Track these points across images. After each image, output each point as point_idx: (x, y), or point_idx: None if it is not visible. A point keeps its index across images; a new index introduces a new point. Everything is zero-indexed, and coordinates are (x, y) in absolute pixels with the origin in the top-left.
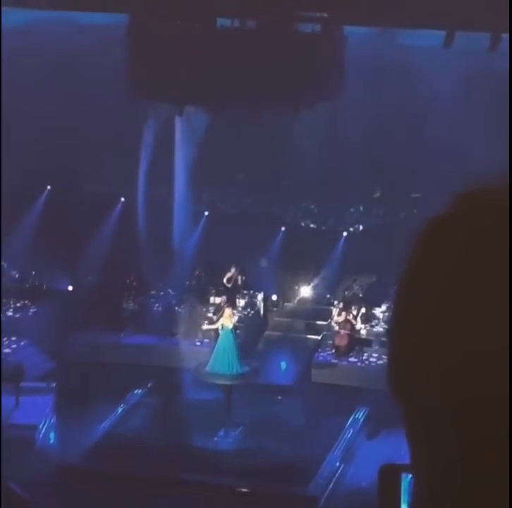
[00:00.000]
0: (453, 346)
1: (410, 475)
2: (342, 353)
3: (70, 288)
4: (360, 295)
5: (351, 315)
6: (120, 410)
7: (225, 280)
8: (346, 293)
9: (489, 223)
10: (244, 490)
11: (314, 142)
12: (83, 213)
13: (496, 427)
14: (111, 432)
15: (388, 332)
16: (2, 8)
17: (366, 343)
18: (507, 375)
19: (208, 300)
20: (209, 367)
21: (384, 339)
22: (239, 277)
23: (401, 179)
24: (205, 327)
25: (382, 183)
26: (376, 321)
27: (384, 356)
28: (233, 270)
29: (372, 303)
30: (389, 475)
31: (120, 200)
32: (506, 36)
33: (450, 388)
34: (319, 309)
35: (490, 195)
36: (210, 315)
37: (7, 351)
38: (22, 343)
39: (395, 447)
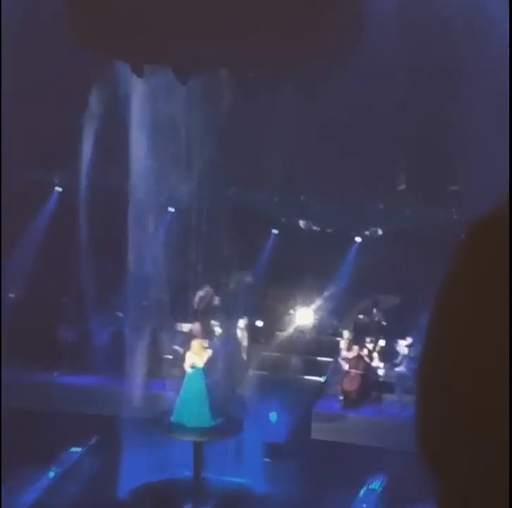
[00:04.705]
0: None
1: None
2: (352, 401)
3: None
4: (379, 322)
5: (365, 350)
6: (51, 475)
7: (195, 301)
8: (360, 319)
9: None
10: None
11: (316, 118)
12: (5, 205)
13: None
14: (39, 504)
15: (417, 373)
16: None
17: (385, 388)
18: None
19: (173, 327)
20: (174, 418)
21: (410, 382)
22: (214, 297)
23: (434, 166)
24: (169, 363)
25: (409, 171)
26: (399, 358)
27: (410, 406)
28: (206, 288)
29: (394, 334)
30: None
31: (54, 189)
32: None
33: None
34: (322, 340)
35: None
36: (176, 347)
37: None
38: None
39: None
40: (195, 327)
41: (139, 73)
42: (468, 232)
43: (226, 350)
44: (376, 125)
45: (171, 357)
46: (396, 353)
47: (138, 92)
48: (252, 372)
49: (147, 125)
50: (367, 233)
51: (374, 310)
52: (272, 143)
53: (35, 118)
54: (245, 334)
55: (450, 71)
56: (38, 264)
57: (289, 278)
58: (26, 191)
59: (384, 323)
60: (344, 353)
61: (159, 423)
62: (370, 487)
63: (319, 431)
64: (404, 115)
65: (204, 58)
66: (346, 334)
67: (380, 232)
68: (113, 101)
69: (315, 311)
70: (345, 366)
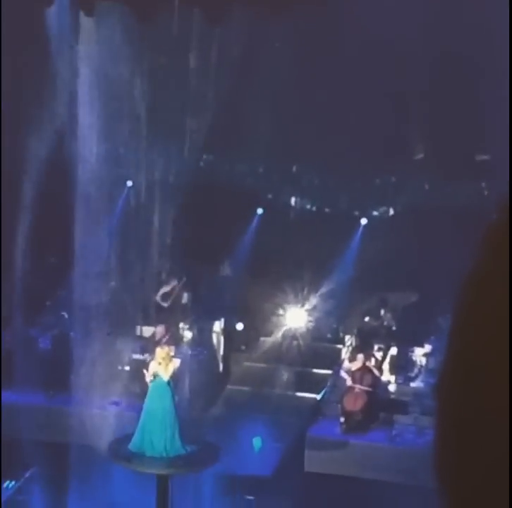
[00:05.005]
0: None
1: None
2: (356, 423)
3: None
4: (389, 325)
5: (373, 360)
6: None
7: (159, 297)
8: (366, 321)
9: None
10: None
11: (313, 68)
12: None
13: None
14: None
15: (436, 389)
16: None
17: (397, 408)
18: None
19: (131, 330)
20: (133, 445)
21: (428, 401)
22: (183, 294)
23: (458, 132)
24: (127, 376)
25: (428, 137)
26: (415, 370)
27: (428, 431)
28: (172, 282)
29: (408, 340)
30: None
31: None
32: None
33: None
34: (319, 348)
35: None
36: (136, 356)
37: None
38: None
39: None
40: (159, 330)
41: (89, 11)
42: (502, 212)
43: (197, 359)
44: (388, 78)
45: (128, 368)
46: (411, 364)
47: (88, 35)
48: (230, 388)
49: (99, 77)
50: (375, 213)
51: (383, 311)
52: (257, 100)
53: None
54: (222, 339)
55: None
56: None
57: (277, 270)
58: None
59: (396, 327)
60: (346, 364)
61: (113, 452)
62: None
63: (315, 461)
64: (422, 65)
65: None
66: (349, 340)
67: (391, 212)
68: (57, 48)
69: (310, 311)
70: (348, 380)
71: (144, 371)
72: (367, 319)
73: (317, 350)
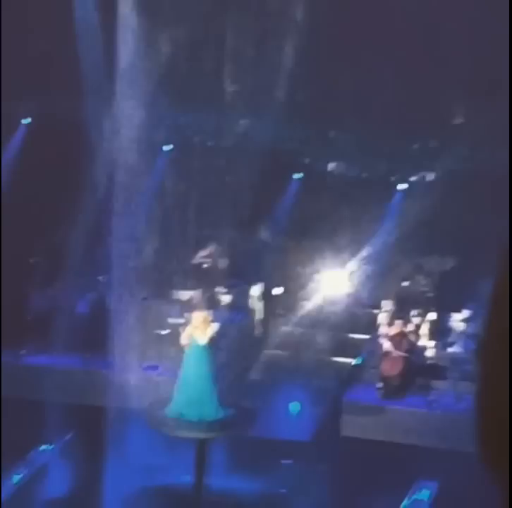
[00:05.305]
0: None
1: None
2: (394, 389)
3: None
4: (427, 290)
5: (411, 326)
6: (16, 479)
7: (197, 262)
8: (404, 286)
9: None
10: None
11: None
12: None
13: None
14: None
15: (477, 354)
16: None
17: (435, 373)
18: None
19: (168, 295)
20: (170, 409)
21: (467, 366)
22: (221, 258)
23: (498, 96)
24: (164, 340)
25: (469, 98)
26: (453, 335)
27: (467, 396)
28: (210, 246)
29: (446, 305)
30: None
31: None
32: None
33: None
34: (356, 313)
35: None
36: (171, 320)
37: None
38: None
39: None
40: (197, 294)
41: None
42: None
43: (235, 324)
44: (428, 42)
45: (165, 332)
46: (449, 330)
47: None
48: (268, 352)
49: (134, 41)
50: (413, 178)
51: (421, 276)
52: (294, 64)
53: None
54: (260, 304)
55: None
56: None
57: (315, 234)
58: None
59: (433, 292)
60: (384, 329)
61: (151, 415)
62: (416, 497)
63: (352, 426)
64: (462, 28)
65: None
66: (387, 305)
67: (430, 178)
68: (91, 18)
69: (348, 276)
70: (386, 345)
71: (181, 333)
72: (404, 284)
73: (354, 315)
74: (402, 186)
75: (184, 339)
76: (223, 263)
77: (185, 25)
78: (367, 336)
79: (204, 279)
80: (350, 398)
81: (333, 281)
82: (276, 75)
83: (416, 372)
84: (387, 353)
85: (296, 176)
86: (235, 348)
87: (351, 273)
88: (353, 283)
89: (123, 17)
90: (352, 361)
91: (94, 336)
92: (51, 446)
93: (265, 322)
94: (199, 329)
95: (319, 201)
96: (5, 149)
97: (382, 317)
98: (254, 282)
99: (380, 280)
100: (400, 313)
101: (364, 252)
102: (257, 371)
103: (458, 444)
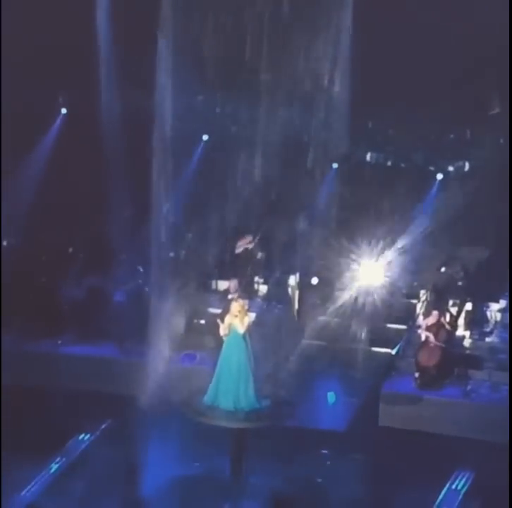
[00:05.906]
0: None
1: None
2: (431, 379)
3: None
4: (464, 281)
5: (448, 316)
6: (54, 468)
7: (234, 252)
8: (441, 277)
9: None
10: None
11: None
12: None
13: None
14: (39, 504)
15: None
16: None
17: (472, 363)
18: None
19: (206, 285)
20: (208, 399)
21: (504, 356)
22: (258, 247)
23: None
24: (202, 330)
25: (503, 92)
26: (490, 326)
27: (503, 385)
28: (247, 236)
29: (483, 296)
30: None
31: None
32: None
33: None
34: (393, 303)
35: None
36: (210, 309)
37: None
38: None
39: None
40: (234, 284)
41: None
42: None
43: (272, 313)
44: (466, 33)
45: (203, 322)
46: (486, 320)
47: None
48: (305, 342)
49: (178, 30)
50: (450, 168)
51: (459, 266)
52: (333, 56)
53: (37, 33)
54: (297, 293)
55: None
56: (38, 203)
57: (352, 224)
58: (26, 114)
59: (471, 282)
60: (421, 319)
61: (188, 405)
62: (453, 486)
63: (389, 417)
64: (501, 19)
65: None
66: (424, 295)
67: (467, 167)
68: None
69: (385, 266)
70: (423, 335)
71: (219, 322)
72: (442, 274)
73: (391, 305)
74: (440, 176)
75: (223, 330)
76: (260, 253)
77: (223, 14)
78: (403, 326)
79: (241, 269)
80: (387, 388)
81: (370, 271)
82: (315, 65)
83: (453, 362)
84: (424, 343)
85: (334, 165)
86: (272, 338)
87: (388, 263)
88: (390, 273)
89: (162, 8)
90: (390, 351)
91: (131, 325)
92: (89, 436)
93: (302, 311)
94: (237, 318)
95: (357, 191)
96: (44, 139)
97: (419, 308)
98: (291, 272)
99: (417, 270)
100: (438, 303)
101: (402, 242)
102: (294, 361)
103: (495, 434)
